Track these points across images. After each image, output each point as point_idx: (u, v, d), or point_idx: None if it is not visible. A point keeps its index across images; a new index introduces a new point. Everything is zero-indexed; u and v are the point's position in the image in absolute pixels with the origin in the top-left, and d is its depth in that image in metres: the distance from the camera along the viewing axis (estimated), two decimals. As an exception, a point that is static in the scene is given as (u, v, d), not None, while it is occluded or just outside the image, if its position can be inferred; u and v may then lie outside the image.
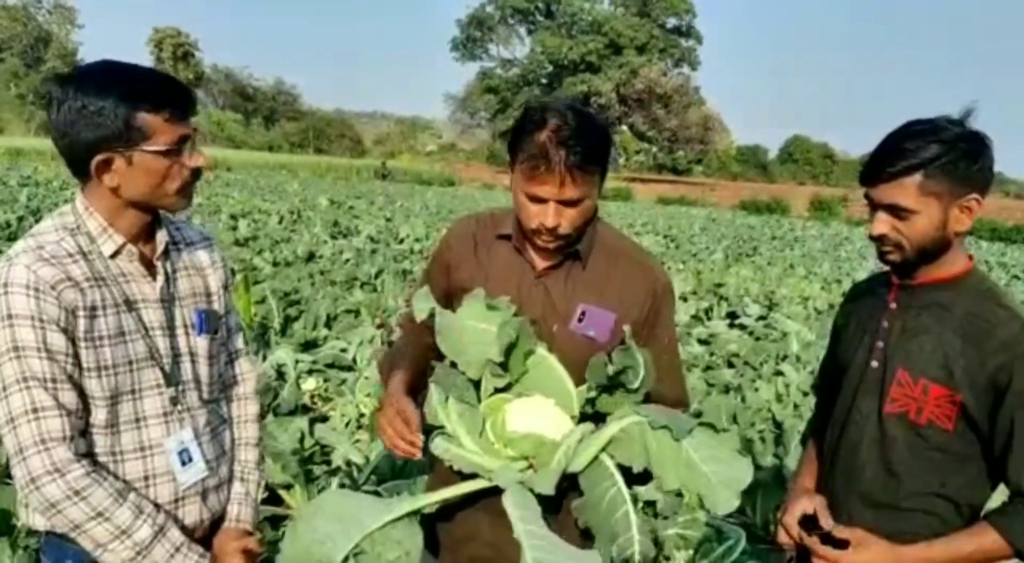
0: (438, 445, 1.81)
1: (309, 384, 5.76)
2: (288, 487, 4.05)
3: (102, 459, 1.70)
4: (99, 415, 1.68)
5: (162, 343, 1.78)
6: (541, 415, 1.78)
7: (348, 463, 4.37)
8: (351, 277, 10.14)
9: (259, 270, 10.08)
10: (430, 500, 1.80)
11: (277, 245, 12.83)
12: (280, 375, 5.80)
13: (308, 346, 6.78)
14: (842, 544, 1.83)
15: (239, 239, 13.12)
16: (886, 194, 1.76)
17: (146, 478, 1.75)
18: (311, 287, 9.13)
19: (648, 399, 1.83)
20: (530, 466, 1.76)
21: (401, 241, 15.49)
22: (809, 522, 1.95)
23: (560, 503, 1.77)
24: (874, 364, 1.89)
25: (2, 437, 1.63)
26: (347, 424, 5.20)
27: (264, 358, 6.09)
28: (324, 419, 5.30)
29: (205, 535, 1.89)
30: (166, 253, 1.83)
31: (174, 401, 1.79)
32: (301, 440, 4.51)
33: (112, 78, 1.64)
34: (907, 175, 1.72)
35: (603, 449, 1.76)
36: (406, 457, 1.86)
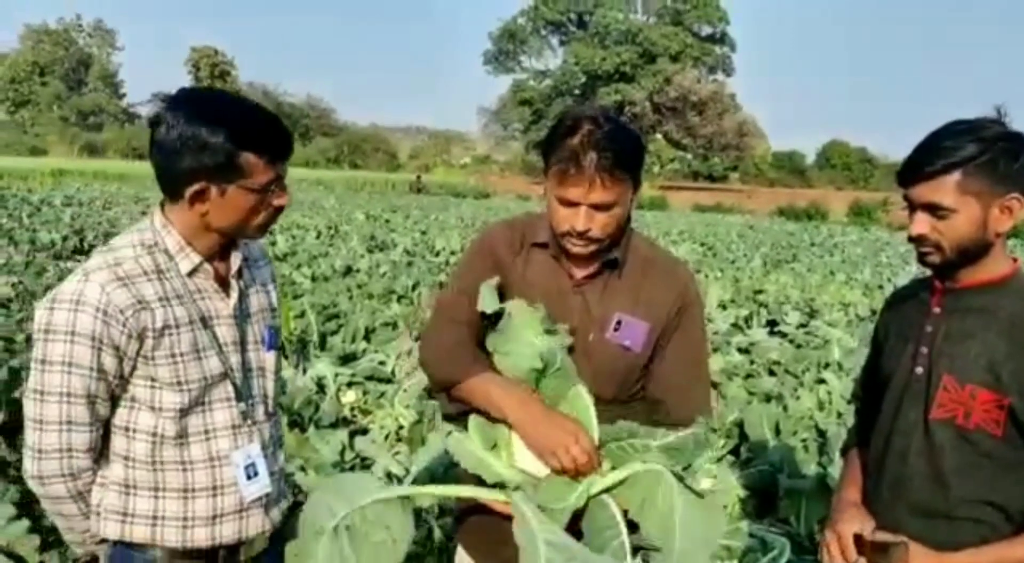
0: (451, 440, 1.83)
1: (349, 397, 5.80)
2: (329, 499, 4.08)
3: (171, 468, 1.77)
4: (168, 427, 1.74)
5: (234, 359, 1.84)
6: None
7: (388, 474, 4.39)
8: (388, 290, 10.19)
9: (298, 285, 10.18)
10: (428, 491, 1.91)
11: (315, 260, 12.95)
12: (320, 388, 5.85)
13: (347, 359, 6.82)
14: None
15: (278, 254, 13.29)
16: (925, 193, 1.74)
17: (214, 488, 1.81)
18: (349, 301, 9.19)
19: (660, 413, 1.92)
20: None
21: (437, 253, 15.56)
22: (860, 541, 1.87)
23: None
24: (919, 370, 1.85)
25: (25, 429, 1.72)
26: (386, 436, 5.24)
27: (304, 371, 6.15)
28: (364, 431, 5.35)
29: (265, 548, 1.92)
30: (239, 272, 1.88)
31: (244, 415, 1.85)
32: (342, 452, 4.57)
33: (224, 113, 1.69)
34: (946, 174, 1.70)
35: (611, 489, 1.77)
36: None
